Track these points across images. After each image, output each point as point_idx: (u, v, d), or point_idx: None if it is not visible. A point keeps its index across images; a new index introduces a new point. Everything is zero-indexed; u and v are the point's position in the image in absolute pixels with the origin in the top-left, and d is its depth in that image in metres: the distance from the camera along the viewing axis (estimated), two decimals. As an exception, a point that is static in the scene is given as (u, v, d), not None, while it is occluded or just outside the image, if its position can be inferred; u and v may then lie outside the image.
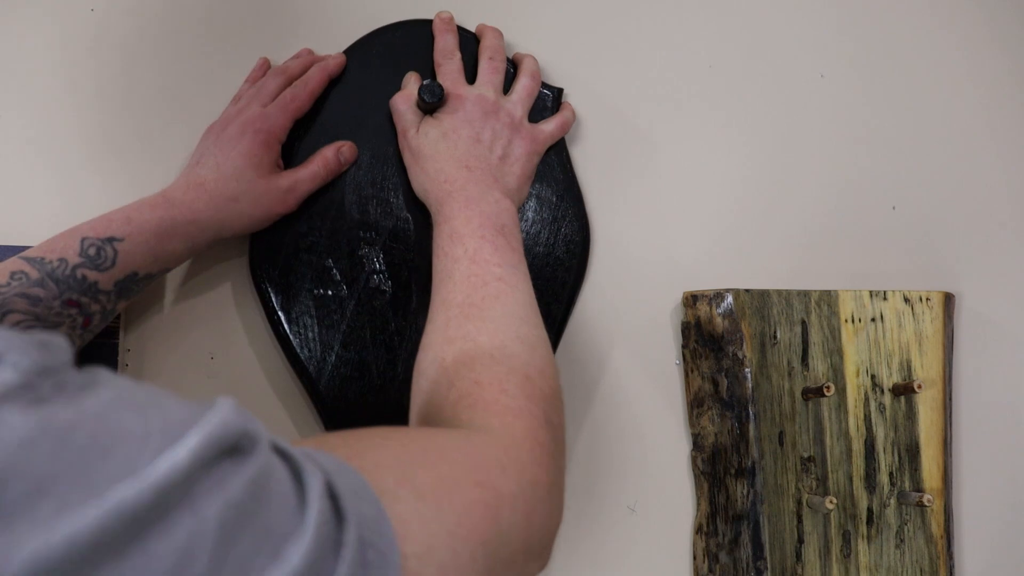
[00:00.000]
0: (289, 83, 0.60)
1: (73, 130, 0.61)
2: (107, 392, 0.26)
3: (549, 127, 0.63)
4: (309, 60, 0.62)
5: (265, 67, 0.63)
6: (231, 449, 0.27)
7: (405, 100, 0.61)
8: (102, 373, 0.27)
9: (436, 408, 0.45)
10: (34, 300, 0.48)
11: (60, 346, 0.27)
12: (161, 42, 0.63)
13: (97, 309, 0.51)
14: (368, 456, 0.34)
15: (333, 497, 0.29)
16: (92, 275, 0.50)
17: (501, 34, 0.65)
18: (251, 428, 0.28)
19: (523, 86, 0.63)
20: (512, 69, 0.65)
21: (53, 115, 0.61)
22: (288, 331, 0.58)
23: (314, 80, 0.60)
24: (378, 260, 0.60)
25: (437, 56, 0.63)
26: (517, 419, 0.42)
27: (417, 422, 0.47)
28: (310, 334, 0.59)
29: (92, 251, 0.50)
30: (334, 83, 0.62)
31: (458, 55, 0.63)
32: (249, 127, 0.56)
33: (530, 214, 0.63)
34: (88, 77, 0.62)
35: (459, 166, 0.57)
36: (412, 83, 0.62)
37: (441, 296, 0.51)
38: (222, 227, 0.55)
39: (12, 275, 0.48)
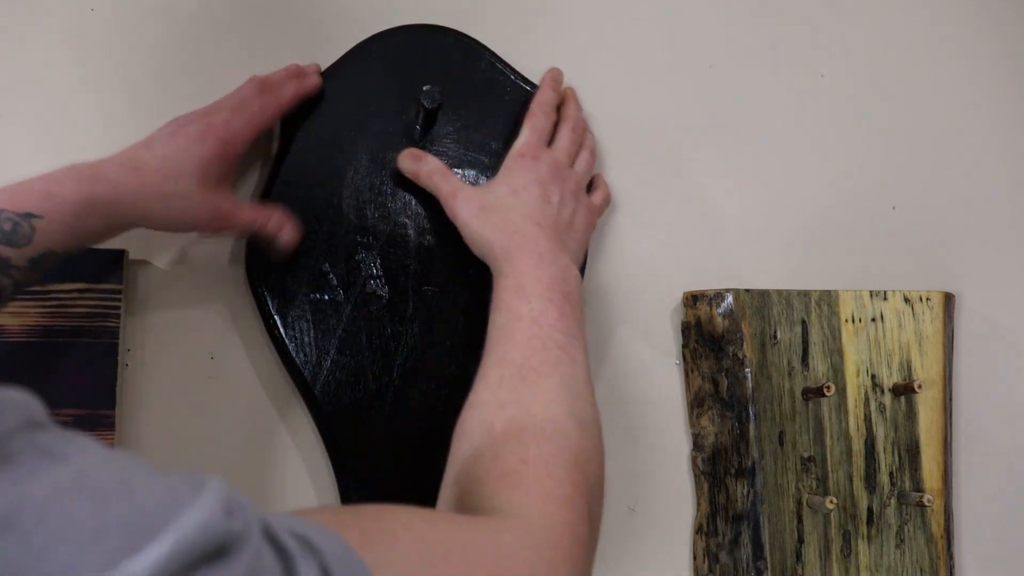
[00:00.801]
0: (265, 94, 0.58)
1: (73, 130, 0.61)
2: (64, 470, 0.21)
3: (597, 201, 0.63)
4: (289, 75, 0.60)
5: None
6: (212, 553, 0.22)
7: (442, 168, 0.60)
8: (69, 442, 0.23)
9: (476, 481, 0.43)
10: None
11: (15, 405, 0.22)
12: (162, 42, 0.63)
13: (8, 283, 0.47)
14: (382, 546, 0.31)
15: None
16: (4, 251, 0.46)
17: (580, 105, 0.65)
18: (237, 527, 0.24)
19: (586, 160, 0.63)
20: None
21: (53, 115, 0.61)
22: (284, 335, 0.58)
23: (286, 95, 0.58)
24: (375, 265, 0.60)
25: (535, 106, 0.62)
26: (560, 510, 0.40)
27: (452, 487, 0.45)
28: (306, 339, 0.58)
29: (7, 226, 0.46)
30: (334, 84, 0.62)
31: (554, 116, 0.63)
32: (210, 133, 0.54)
33: None
34: (88, 77, 0.62)
35: (530, 222, 0.56)
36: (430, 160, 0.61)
37: (498, 353, 0.49)
38: (143, 219, 0.52)
39: None
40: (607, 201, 0.64)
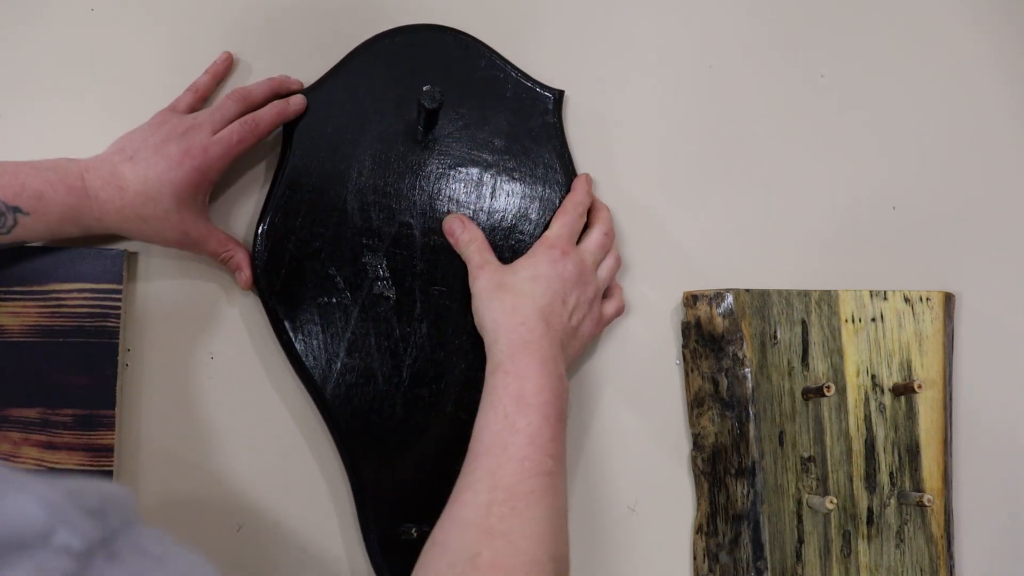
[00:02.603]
0: (247, 111, 0.59)
1: (73, 130, 0.61)
2: (162, 573, 0.23)
3: (609, 311, 0.63)
4: (272, 89, 0.60)
5: (227, 63, 0.62)
6: None
7: (482, 241, 0.60)
8: (161, 543, 0.24)
9: None
10: None
11: (118, 504, 0.24)
12: (162, 42, 0.63)
13: None
14: None
15: None
16: None
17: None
18: None
19: (610, 267, 0.62)
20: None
21: (53, 114, 0.61)
22: (293, 340, 0.58)
23: (265, 121, 0.58)
24: (381, 267, 0.60)
25: (568, 204, 0.62)
26: None
27: None
28: (315, 342, 0.59)
29: None
30: (335, 86, 0.62)
31: (584, 218, 0.63)
32: (187, 158, 0.55)
33: (533, 216, 0.63)
34: (88, 77, 0.62)
35: (539, 317, 0.56)
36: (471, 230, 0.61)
37: (490, 464, 0.50)
38: (120, 232, 0.55)
39: None
40: (619, 312, 0.64)
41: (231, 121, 0.58)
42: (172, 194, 0.54)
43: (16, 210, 0.49)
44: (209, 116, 0.57)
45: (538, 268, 0.58)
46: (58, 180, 0.51)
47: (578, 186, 0.64)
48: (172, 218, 0.55)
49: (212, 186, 0.58)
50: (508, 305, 0.56)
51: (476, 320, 0.58)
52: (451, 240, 0.61)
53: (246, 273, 0.59)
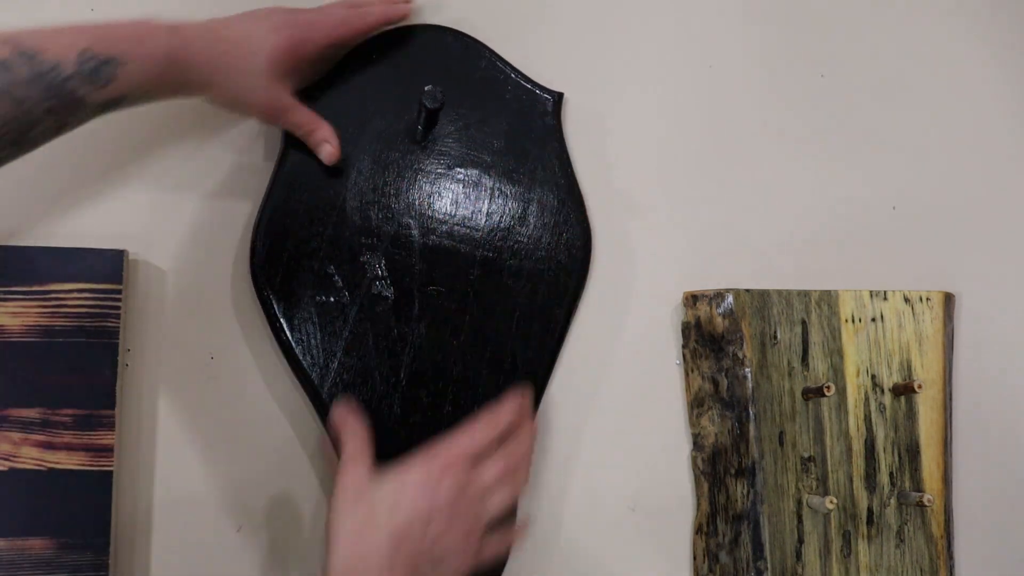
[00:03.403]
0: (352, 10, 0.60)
1: (74, 131, 0.61)
2: None
3: (490, 551, 0.53)
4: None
5: None
6: None
7: (364, 434, 0.54)
8: None
9: None
10: (18, 101, 0.45)
11: None
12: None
13: (74, 122, 0.49)
14: None
15: None
16: (83, 90, 0.47)
17: (533, 441, 0.56)
18: None
19: (501, 502, 0.53)
20: None
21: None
22: (290, 338, 0.58)
23: (373, 15, 0.59)
24: (380, 266, 0.60)
25: (485, 416, 0.54)
26: None
27: None
28: (312, 341, 0.59)
29: (90, 65, 0.47)
30: (336, 85, 0.62)
31: (499, 435, 0.54)
32: (287, 27, 0.55)
33: (532, 219, 0.63)
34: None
35: (390, 541, 0.48)
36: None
37: None
38: (210, 87, 0.54)
39: (2, 64, 0.45)
40: (504, 552, 0.55)
41: (335, 12, 0.59)
42: (267, 55, 0.54)
43: (112, 61, 0.47)
44: (316, 8, 0.58)
45: (406, 484, 0.50)
46: (153, 26, 0.50)
47: (506, 402, 0.55)
48: (263, 80, 0.55)
49: (308, 64, 0.58)
50: (358, 522, 0.49)
51: (326, 515, 0.51)
52: (337, 428, 0.55)
53: (332, 145, 0.58)
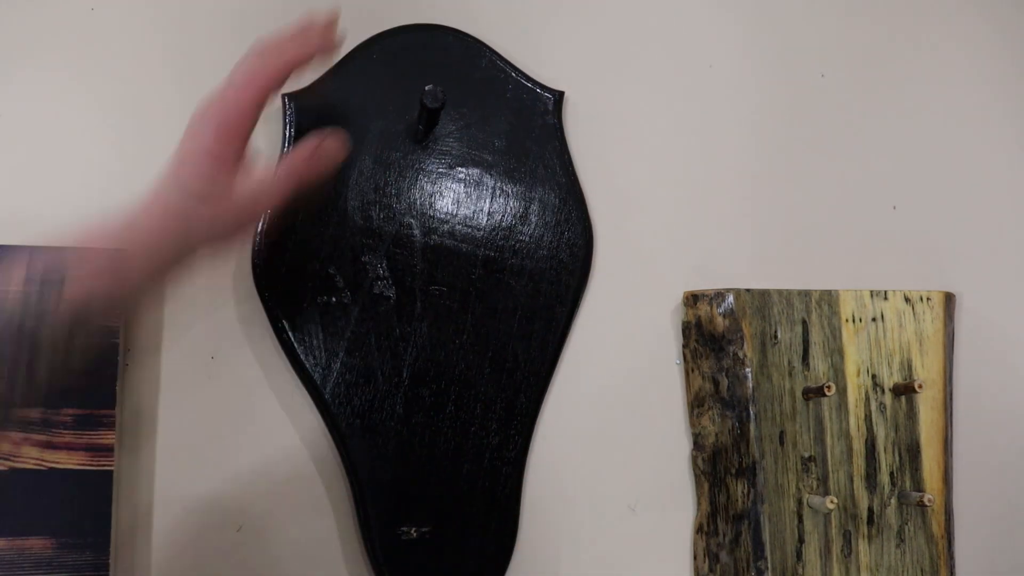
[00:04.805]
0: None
1: (73, 129, 0.61)
2: None
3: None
4: (300, 30, 0.51)
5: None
6: None
7: None
8: None
9: None
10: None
11: None
12: (162, 42, 0.63)
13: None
14: None
15: None
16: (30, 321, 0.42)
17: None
18: None
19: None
20: None
21: (52, 114, 0.61)
22: (293, 339, 0.58)
23: (290, 50, 0.49)
24: (381, 266, 0.60)
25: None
26: None
27: None
28: (315, 341, 0.59)
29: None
30: (336, 85, 0.62)
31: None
32: (202, 120, 0.48)
33: (533, 218, 0.63)
34: (88, 77, 0.62)
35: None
36: None
37: None
38: (191, 258, 0.48)
39: None
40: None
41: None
42: (208, 162, 0.47)
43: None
44: (232, 72, 0.49)
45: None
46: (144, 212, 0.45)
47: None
48: (227, 182, 0.47)
49: (247, 133, 0.48)
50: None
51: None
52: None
53: (332, 137, 0.51)
